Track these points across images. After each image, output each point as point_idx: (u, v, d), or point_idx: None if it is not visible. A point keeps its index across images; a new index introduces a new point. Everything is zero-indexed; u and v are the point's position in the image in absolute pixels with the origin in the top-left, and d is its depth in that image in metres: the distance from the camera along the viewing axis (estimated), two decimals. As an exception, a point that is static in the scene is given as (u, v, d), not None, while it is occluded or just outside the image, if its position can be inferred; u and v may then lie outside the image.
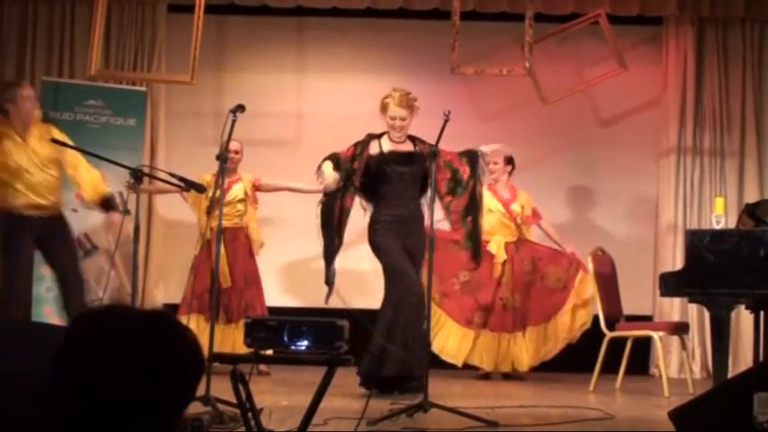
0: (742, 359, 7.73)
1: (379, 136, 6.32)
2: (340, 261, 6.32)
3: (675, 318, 7.98)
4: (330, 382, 3.77)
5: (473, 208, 6.18)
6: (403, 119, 6.21)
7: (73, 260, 6.50)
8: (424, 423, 4.87)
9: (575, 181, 8.54)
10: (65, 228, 6.47)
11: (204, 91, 8.27)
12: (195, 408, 4.52)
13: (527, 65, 7.48)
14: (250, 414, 3.83)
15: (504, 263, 7.46)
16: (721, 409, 4.20)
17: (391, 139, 6.28)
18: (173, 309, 7.04)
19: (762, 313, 6.15)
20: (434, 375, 5.38)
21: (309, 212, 6.28)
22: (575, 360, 7.46)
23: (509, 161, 7.65)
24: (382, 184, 6.22)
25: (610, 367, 6.84)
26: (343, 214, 6.22)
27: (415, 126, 6.23)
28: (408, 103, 6.23)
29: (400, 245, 6.12)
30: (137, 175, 5.39)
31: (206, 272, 7.04)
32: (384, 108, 6.25)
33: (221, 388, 4.68)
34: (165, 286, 8.21)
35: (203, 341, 5.38)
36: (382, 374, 5.94)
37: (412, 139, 6.32)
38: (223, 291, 6.94)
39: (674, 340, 7.59)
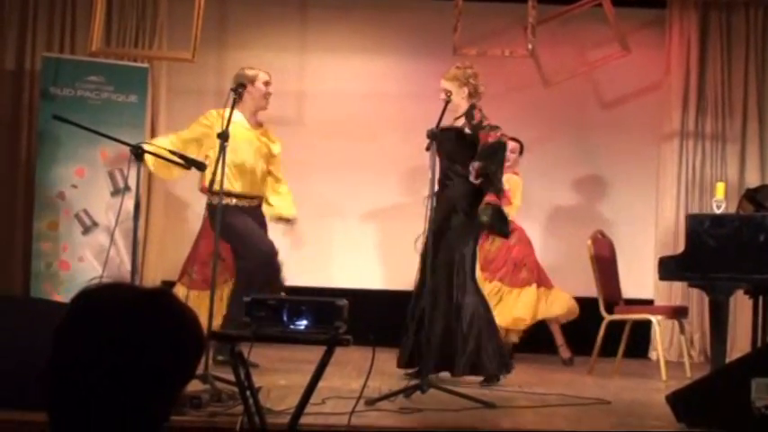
0: (740, 344, 7.73)
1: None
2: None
3: (675, 302, 7.99)
4: (329, 361, 3.77)
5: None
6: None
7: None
8: (422, 403, 4.88)
9: (575, 164, 8.53)
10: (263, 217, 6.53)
11: (205, 69, 8.24)
12: (194, 386, 4.53)
13: (529, 46, 7.46)
14: (248, 393, 3.84)
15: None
16: (719, 393, 4.21)
17: None
18: (171, 286, 7.05)
19: (761, 298, 6.15)
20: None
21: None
22: (573, 343, 7.48)
23: (521, 151, 7.68)
24: None
25: (608, 350, 6.85)
26: None
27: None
28: (454, 75, 6.09)
29: None
30: (137, 152, 5.36)
31: None
32: None
33: (220, 367, 4.70)
34: (165, 263, 8.19)
35: None
36: None
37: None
38: None
39: (673, 324, 7.59)
